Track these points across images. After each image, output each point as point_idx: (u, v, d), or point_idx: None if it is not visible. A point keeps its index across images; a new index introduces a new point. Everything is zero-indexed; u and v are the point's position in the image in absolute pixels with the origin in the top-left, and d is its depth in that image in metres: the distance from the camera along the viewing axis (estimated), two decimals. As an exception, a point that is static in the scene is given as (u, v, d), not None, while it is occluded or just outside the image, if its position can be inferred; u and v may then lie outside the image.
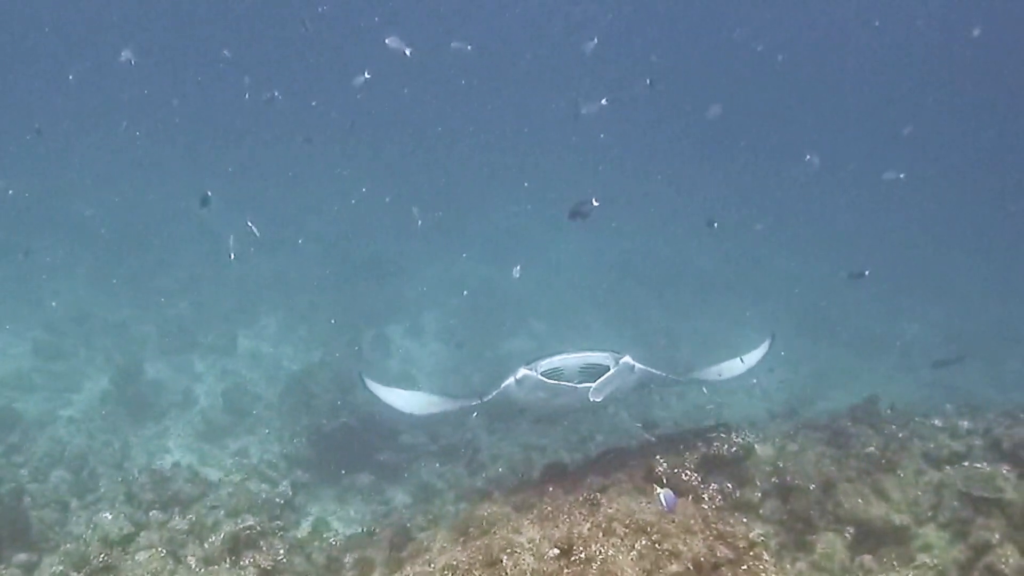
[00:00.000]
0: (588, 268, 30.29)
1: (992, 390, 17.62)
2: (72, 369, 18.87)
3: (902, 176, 21.83)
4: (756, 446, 8.33)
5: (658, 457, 7.83)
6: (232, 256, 16.01)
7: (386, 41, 16.02)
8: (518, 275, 14.82)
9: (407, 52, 15.30)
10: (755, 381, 8.72)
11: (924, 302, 27.49)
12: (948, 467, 7.91)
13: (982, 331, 23.54)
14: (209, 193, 13.13)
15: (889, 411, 9.58)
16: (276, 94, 23.50)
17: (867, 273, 16.50)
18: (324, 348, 19.92)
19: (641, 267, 29.58)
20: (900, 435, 8.64)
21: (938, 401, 12.51)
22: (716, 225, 18.07)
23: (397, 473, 13.79)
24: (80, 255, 26.83)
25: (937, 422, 8.82)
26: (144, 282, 24.80)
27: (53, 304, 22.59)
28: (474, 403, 8.32)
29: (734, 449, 8.15)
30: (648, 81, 31.03)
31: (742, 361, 8.41)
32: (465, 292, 21.22)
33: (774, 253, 32.50)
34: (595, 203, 11.26)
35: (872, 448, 8.29)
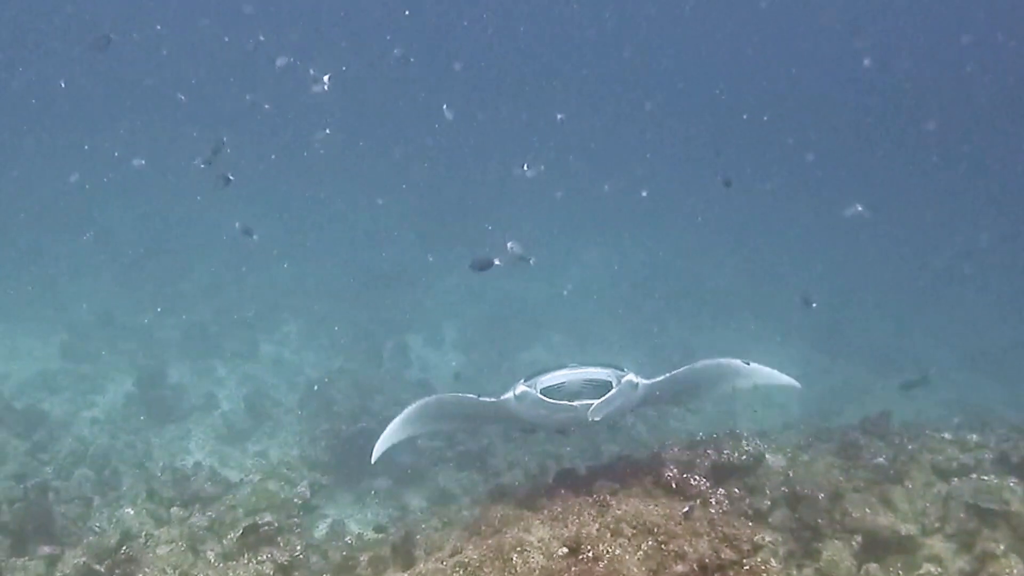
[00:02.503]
0: (606, 281, 30.37)
1: (1008, 408, 17.59)
2: (96, 371, 19.15)
3: (860, 209, 22.00)
4: (767, 455, 8.45)
5: (668, 463, 7.94)
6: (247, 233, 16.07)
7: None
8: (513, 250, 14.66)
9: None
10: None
11: (940, 320, 27.46)
12: (956, 479, 8.01)
13: (998, 350, 23.47)
14: (231, 177, 13.21)
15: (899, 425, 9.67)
16: (266, 106, 23.69)
17: (814, 305, 16.62)
18: (345, 355, 20.14)
19: (659, 281, 29.63)
20: (909, 447, 8.73)
21: (950, 416, 12.58)
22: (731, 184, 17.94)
23: (414, 478, 13.93)
24: (105, 259, 27.13)
25: (946, 435, 8.90)
26: (168, 287, 25.07)
27: (83, 306, 22.91)
28: (471, 396, 8.12)
29: (744, 457, 8.27)
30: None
31: (747, 364, 8.29)
32: (455, 365, 20.97)
33: (790, 268, 32.49)
34: (497, 262, 11.39)
35: (881, 459, 8.40)
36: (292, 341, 22.66)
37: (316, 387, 16.86)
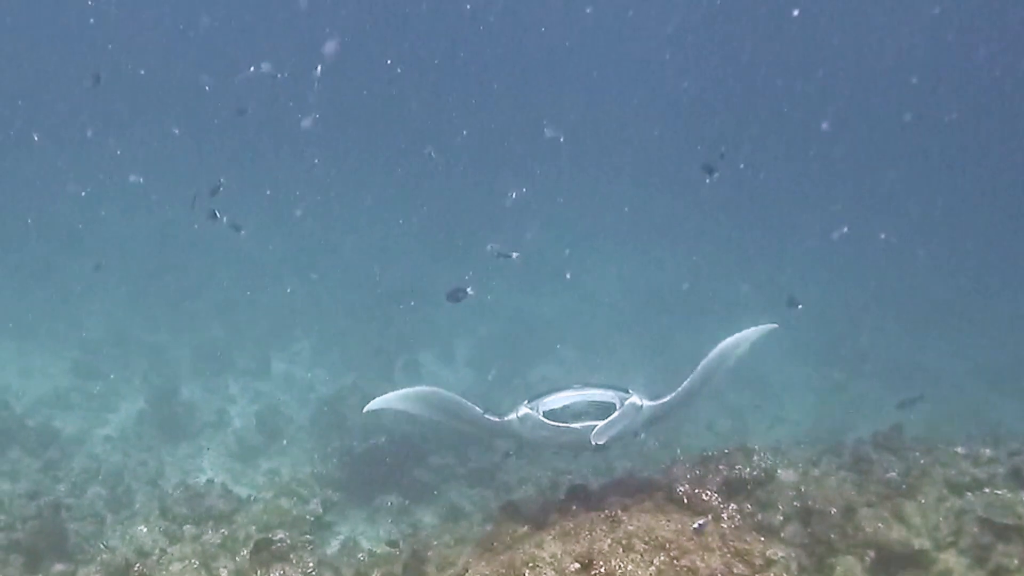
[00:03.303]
0: (618, 296, 30.37)
1: (1021, 422, 17.51)
2: (109, 389, 19.22)
3: (846, 230, 22.19)
4: (779, 470, 8.43)
5: (680, 479, 7.93)
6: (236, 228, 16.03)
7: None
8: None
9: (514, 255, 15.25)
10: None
11: (954, 333, 27.36)
12: (969, 493, 7.97)
13: (1011, 363, 23.39)
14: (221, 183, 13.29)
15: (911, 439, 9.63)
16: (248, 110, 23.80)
17: (800, 306, 16.64)
18: (357, 372, 20.17)
19: (671, 296, 29.60)
20: (922, 461, 8.68)
21: (963, 430, 12.52)
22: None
23: (426, 495, 13.93)
24: (117, 277, 27.22)
25: (959, 449, 8.85)
26: (180, 305, 25.16)
27: (86, 329, 22.99)
28: (478, 409, 8.08)
29: (756, 473, 8.25)
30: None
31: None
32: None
33: (805, 282, 32.40)
34: (470, 292, 11.68)
35: (894, 474, 8.37)
36: (304, 358, 22.71)
37: (325, 407, 16.89)
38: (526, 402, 7.71)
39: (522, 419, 7.60)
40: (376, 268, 29.14)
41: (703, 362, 8.21)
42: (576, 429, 7.39)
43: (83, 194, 28.71)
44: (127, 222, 33.25)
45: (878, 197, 46.82)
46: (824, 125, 48.48)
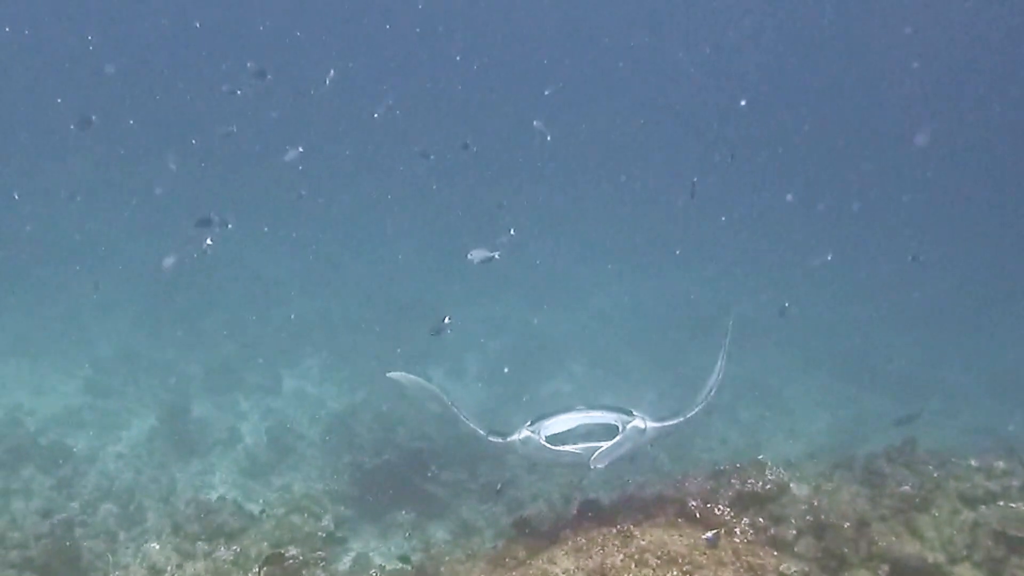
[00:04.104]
0: (628, 313, 30.36)
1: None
2: (120, 407, 19.27)
3: (829, 258, 22.33)
4: (792, 484, 8.40)
5: (692, 493, 7.91)
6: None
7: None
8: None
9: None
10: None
11: (967, 346, 27.29)
12: (983, 506, 7.94)
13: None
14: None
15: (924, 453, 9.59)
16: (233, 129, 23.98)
17: (787, 304, 16.66)
18: (367, 388, 20.17)
19: (682, 312, 29.55)
20: (935, 475, 8.65)
21: (976, 443, 12.49)
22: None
23: (438, 510, 13.93)
24: (128, 294, 27.32)
25: (973, 462, 8.82)
26: (190, 322, 25.22)
27: (97, 348, 23.07)
28: (481, 431, 8.10)
29: (768, 487, 8.23)
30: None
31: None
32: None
33: (815, 298, 32.36)
34: (447, 321, 11.86)
35: (907, 487, 8.33)
36: (314, 374, 22.74)
37: (327, 437, 16.89)
38: (529, 423, 7.68)
39: (524, 442, 7.59)
40: (384, 283, 29.22)
41: (711, 381, 8.20)
42: (577, 452, 7.36)
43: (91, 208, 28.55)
44: (137, 239, 33.30)
45: (892, 211, 46.85)
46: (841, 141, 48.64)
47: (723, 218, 40.69)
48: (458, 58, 52.47)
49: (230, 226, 15.22)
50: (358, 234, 37.96)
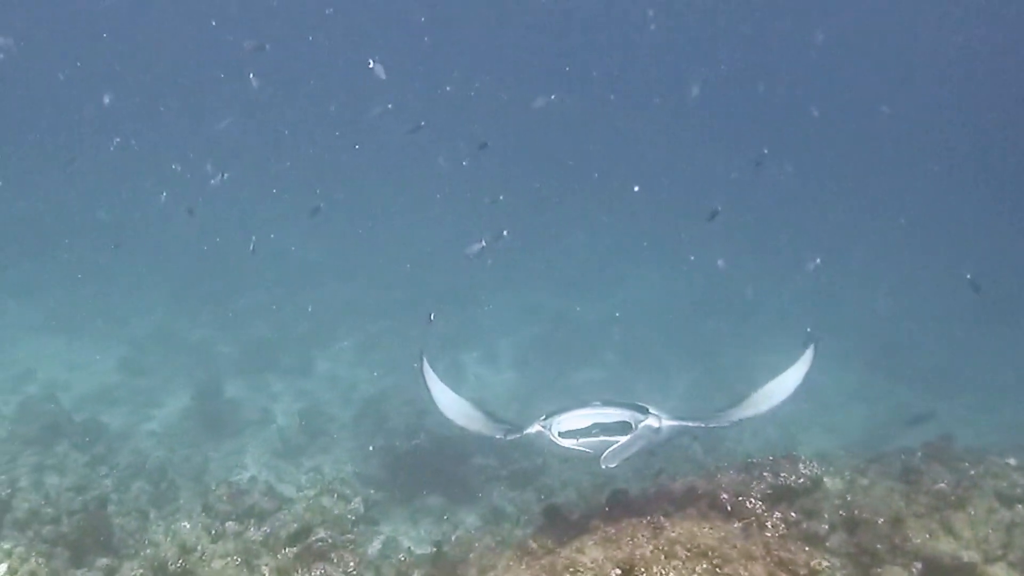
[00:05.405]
0: (662, 301, 30.23)
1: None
2: (154, 385, 19.42)
3: (819, 261, 22.41)
4: (825, 478, 8.31)
5: (724, 486, 7.84)
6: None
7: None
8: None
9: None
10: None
11: (1007, 340, 26.89)
12: (1020, 505, 7.82)
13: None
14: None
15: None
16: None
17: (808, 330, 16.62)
18: (399, 372, 20.20)
19: (716, 301, 29.38)
20: (972, 472, 8.53)
21: (1015, 441, 12.32)
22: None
23: (468, 495, 13.93)
24: (164, 274, 27.52)
25: (1011, 460, 8.69)
26: (224, 303, 25.36)
27: (133, 326, 23.25)
28: (497, 436, 8.06)
29: (802, 481, 8.14)
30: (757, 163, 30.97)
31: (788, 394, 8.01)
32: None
33: (850, 289, 32.05)
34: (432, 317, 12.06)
35: (943, 485, 8.22)
36: (347, 357, 22.80)
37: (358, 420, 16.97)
38: (541, 419, 7.55)
39: (538, 435, 7.54)
40: (414, 267, 29.22)
41: (747, 399, 8.01)
42: (588, 451, 7.27)
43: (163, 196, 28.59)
44: (172, 221, 33.52)
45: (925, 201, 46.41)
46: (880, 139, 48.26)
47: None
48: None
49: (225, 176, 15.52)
50: (396, 221, 37.95)
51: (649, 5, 50.91)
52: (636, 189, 34.83)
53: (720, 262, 24.95)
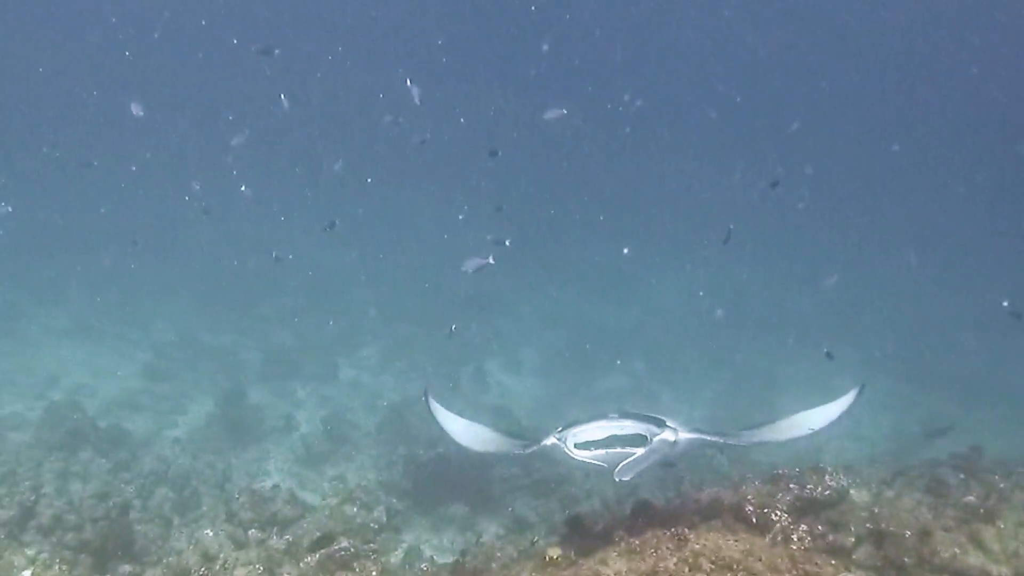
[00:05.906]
0: (687, 309, 30.12)
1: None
2: (178, 392, 19.47)
3: (835, 278, 22.54)
4: (851, 490, 8.22)
5: (749, 497, 7.76)
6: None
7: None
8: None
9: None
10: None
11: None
12: (1051, 519, 7.72)
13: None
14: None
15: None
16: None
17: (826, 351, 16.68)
18: (423, 379, 20.20)
19: (741, 310, 29.25)
20: (1001, 485, 8.42)
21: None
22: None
23: (490, 504, 13.88)
24: (188, 281, 27.62)
25: (1041, 473, 8.60)
26: (248, 310, 25.44)
27: (156, 333, 23.36)
28: (516, 452, 8.01)
29: (828, 492, 8.05)
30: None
31: (812, 430, 7.90)
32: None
33: (876, 297, 31.88)
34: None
35: (971, 497, 8.11)
36: (371, 364, 22.82)
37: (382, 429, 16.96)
38: (557, 431, 7.51)
39: (552, 447, 7.49)
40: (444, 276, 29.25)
41: (773, 424, 7.91)
42: (602, 464, 7.20)
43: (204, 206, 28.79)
44: (196, 228, 33.67)
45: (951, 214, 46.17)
46: (895, 147, 48.05)
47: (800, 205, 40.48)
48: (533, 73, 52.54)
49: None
50: (421, 228, 38.03)
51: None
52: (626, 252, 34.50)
53: (719, 311, 24.83)
